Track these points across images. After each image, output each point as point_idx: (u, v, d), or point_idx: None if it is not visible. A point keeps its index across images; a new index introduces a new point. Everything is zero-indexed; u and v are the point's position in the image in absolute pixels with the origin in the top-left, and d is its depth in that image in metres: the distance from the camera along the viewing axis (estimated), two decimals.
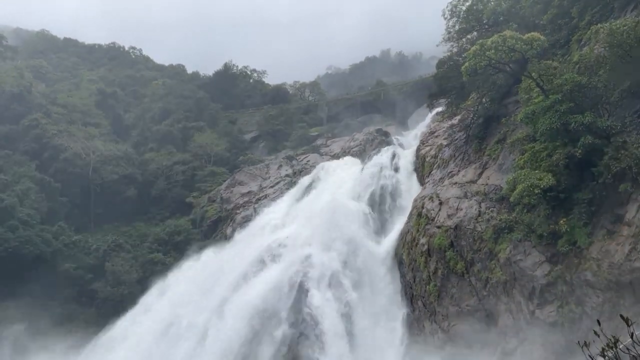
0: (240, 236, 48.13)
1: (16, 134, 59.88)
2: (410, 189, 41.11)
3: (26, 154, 57.96)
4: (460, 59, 37.64)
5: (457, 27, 42.04)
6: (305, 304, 35.06)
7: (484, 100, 35.54)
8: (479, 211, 30.11)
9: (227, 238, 50.07)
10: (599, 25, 27.07)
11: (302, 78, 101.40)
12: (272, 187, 55.11)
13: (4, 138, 59.06)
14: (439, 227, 31.57)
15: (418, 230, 33.51)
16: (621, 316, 4.90)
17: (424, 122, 52.59)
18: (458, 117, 38.79)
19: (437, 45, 45.20)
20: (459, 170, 34.99)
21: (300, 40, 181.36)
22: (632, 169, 22.22)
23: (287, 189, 52.58)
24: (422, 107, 57.80)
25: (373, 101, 78.27)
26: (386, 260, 36.56)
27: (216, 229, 53.90)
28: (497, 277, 27.27)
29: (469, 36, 41.96)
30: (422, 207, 34.02)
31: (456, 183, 33.63)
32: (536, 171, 25.66)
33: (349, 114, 77.39)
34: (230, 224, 51.85)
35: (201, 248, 49.85)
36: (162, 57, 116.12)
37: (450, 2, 41.81)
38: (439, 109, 45.24)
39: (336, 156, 56.29)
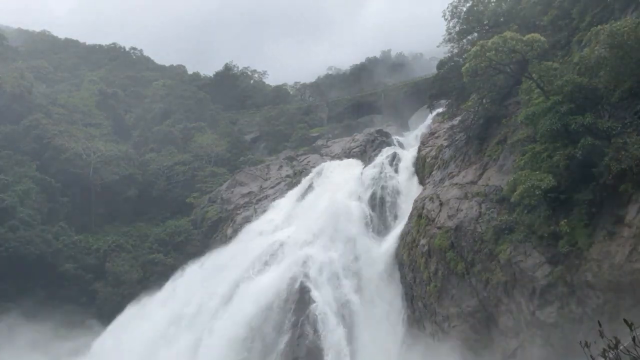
0: (241, 237, 48.13)
1: (17, 135, 59.91)
2: (410, 190, 41.10)
3: (27, 154, 57.97)
4: (460, 60, 37.65)
5: (457, 28, 42.03)
6: (306, 304, 35.05)
7: (484, 101, 35.53)
8: (480, 212, 30.11)
9: (227, 239, 50.09)
10: (599, 26, 27.06)
11: (303, 79, 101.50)
12: (272, 187, 55.14)
13: (4, 138, 59.08)
14: (439, 228, 31.57)
15: (418, 231, 33.52)
16: (624, 320, 4.93)
17: (424, 123, 52.55)
18: (458, 118, 38.76)
19: (438, 46, 45.19)
20: (459, 171, 35.00)
21: (300, 41, 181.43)
22: (633, 169, 22.23)
23: (288, 189, 52.59)
24: (423, 108, 57.79)
25: (374, 102, 78.27)
26: (386, 261, 36.55)
27: (216, 229, 53.91)
28: (498, 278, 27.28)
29: (469, 37, 41.96)
30: (423, 208, 34.03)
31: (456, 184, 33.64)
32: (537, 172, 25.66)
33: (350, 115, 77.37)
34: (231, 225, 51.86)
35: (202, 249, 49.91)
36: (162, 57, 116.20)
37: (451, 3, 41.83)
38: (440, 110, 45.26)
39: (337, 157, 56.29)
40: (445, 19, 42.25)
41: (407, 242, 34.71)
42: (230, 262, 42.49)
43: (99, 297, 49.91)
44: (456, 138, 38.26)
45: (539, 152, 26.99)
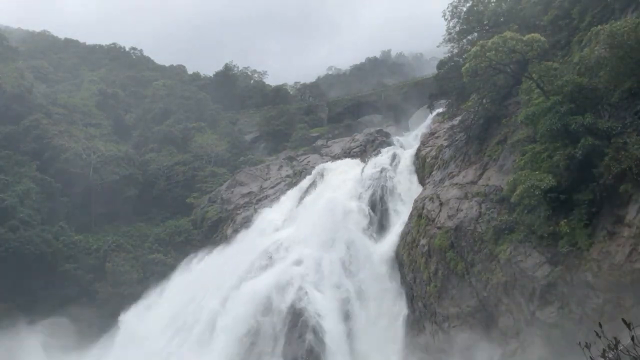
0: (240, 237, 48.11)
1: (17, 135, 59.84)
2: (410, 190, 41.07)
3: (27, 154, 57.92)
4: (460, 59, 37.65)
5: (457, 28, 42.03)
6: (305, 304, 35.03)
7: (484, 101, 35.52)
8: (480, 212, 30.11)
9: (227, 239, 50.08)
10: (599, 26, 27.07)
11: (303, 79, 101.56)
12: (272, 187, 55.13)
13: (4, 138, 59.01)
14: (439, 228, 31.57)
15: (418, 231, 33.51)
16: (623, 320, 4.92)
17: (424, 123, 52.53)
18: (458, 118, 38.75)
19: (438, 46, 45.21)
20: (459, 171, 34.99)
21: (300, 41, 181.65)
22: (633, 169, 22.21)
23: (288, 189, 52.57)
24: (423, 108, 57.85)
25: (374, 102, 78.30)
26: (386, 261, 36.54)
27: (216, 229, 53.90)
28: (498, 278, 27.27)
29: (469, 37, 41.95)
30: (423, 208, 34.03)
31: (456, 184, 33.64)
32: (537, 172, 25.66)
33: (350, 115, 77.40)
34: (231, 225, 51.85)
35: (202, 249, 49.91)
36: (162, 57, 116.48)
37: (451, 3, 41.83)
38: (440, 110, 45.26)
39: (337, 157, 56.26)
40: (445, 19, 42.28)
41: (407, 242, 34.70)
42: (230, 262, 42.50)
43: (99, 297, 49.90)
44: (456, 138, 38.25)
45: (539, 152, 26.99)
